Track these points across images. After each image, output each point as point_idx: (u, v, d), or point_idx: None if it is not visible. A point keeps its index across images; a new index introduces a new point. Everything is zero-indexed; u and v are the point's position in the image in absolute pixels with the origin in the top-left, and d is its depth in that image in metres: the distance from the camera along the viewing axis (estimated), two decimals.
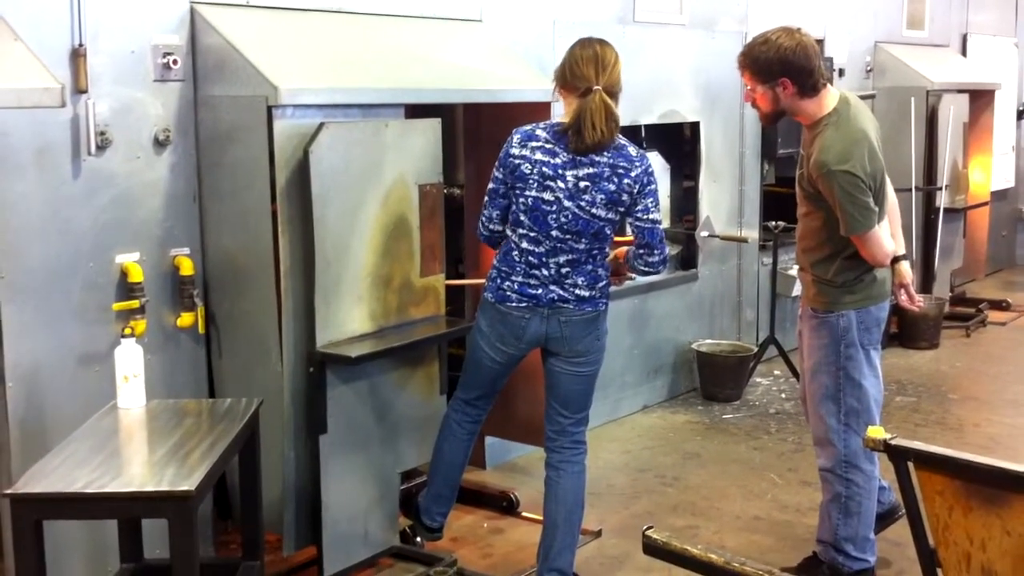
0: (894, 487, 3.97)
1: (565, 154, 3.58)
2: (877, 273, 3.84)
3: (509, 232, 3.70)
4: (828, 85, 3.77)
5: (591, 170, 3.58)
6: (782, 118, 3.86)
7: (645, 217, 3.65)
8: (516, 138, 3.64)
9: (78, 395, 3.60)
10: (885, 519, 4.13)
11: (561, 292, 3.66)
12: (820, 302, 3.87)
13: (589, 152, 3.57)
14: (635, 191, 3.61)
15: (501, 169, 3.67)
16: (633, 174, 3.60)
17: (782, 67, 3.67)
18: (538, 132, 3.63)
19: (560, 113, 3.77)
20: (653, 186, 3.66)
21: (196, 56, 3.87)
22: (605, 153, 3.59)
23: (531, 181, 3.60)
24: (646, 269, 3.75)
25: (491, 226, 3.76)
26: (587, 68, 3.57)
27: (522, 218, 3.64)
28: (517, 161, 3.61)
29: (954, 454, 2.35)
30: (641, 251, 3.70)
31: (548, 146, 3.60)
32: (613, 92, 3.59)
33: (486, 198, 3.74)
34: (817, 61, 3.71)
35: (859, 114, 3.77)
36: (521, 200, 3.63)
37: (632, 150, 3.64)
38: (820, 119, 3.74)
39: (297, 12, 4.15)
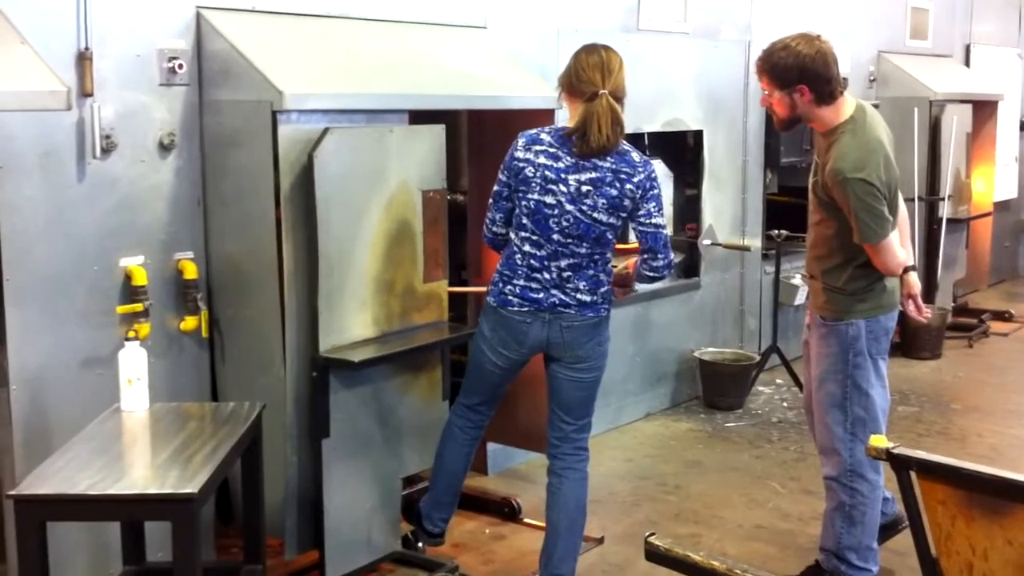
0: (897, 498, 3.98)
1: (568, 158, 3.60)
2: (887, 282, 3.84)
3: (512, 235, 3.71)
4: (844, 93, 3.77)
5: (594, 175, 3.59)
6: (798, 124, 3.85)
7: (648, 222, 3.65)
8: (521, 142, 3.66)
9: (82, 398, 3.60)
10: (888, 530, 4.13)
11: (563, 296, 3.67)
12: (829, 310, 3.87)
13: (593, 156, 3.58)
14: (637, 196, 3.62)
15: (505, 172, 3.69)
16: (636, 179, 3.61)
17: (800, 74, 3.67)
18: (542, 136, 3.65)
19: (564, 120, 3.79)
20: (656, 191, 3.67)
21: (202, 61, 3.88)
22: (608, 158, 3.60)
23: (534, 184, 3.61)
24: (651, 274, 3.75)
25: (495, 228, 3.77)
26: (593, 73, 3.59)
27: (524, 221, 3.65)
28: (521, 164, 3.63)
29: (956, 463, 2.34)
30: (645, 255, 3.71)
31: (552, 150, 3.61)
32: (618, 97, 3.61)
33: (490, 201, 3.75)
34: (835, 69, 3.72)
35: (875, 123, 3.78)
36: (524, 203, 3.64)
37: (635, 156, 3.65)
38: (836, 127, 3.74)
39: (302, 17, 4.16)
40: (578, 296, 3.68)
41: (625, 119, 3.63)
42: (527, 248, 3.67)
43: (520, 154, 3.65)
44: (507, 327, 3.72)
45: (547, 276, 3.66)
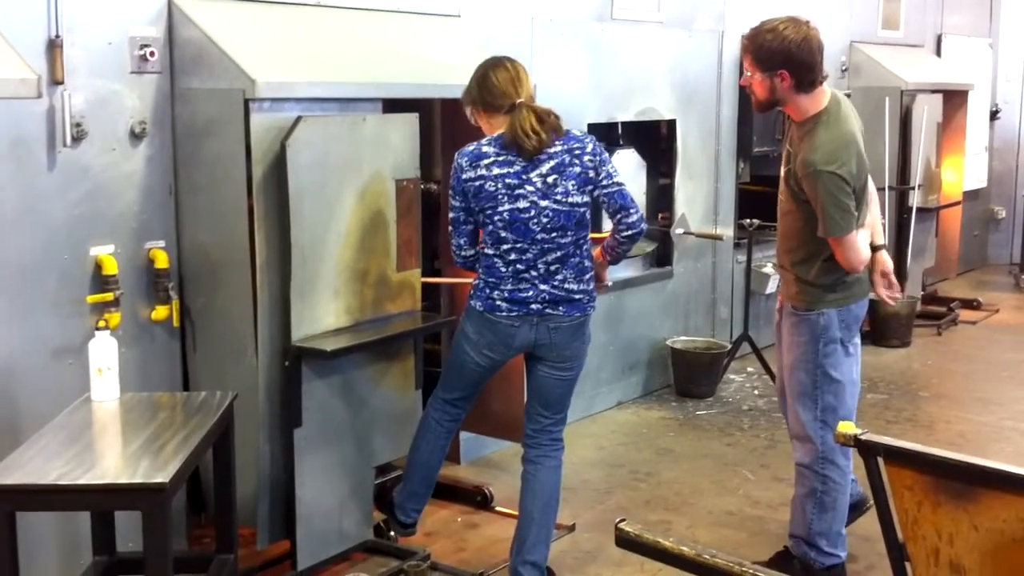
0: (862, 481, 4.02)
1: (521, 160, 3.61)
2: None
3: (489, 250, 3.68)
4: (823, 84, 3.78)
5: (552, 163, 3.62)
6: (776, 107, 3.84)
7: (611, 182, 3.68)
8: (464, 161, 3.65)
9: (52, 388, 3.58)
10: (853, 511, 4.16)
11: (551, 291, 3.67)
12: (801, 300, 3.88)
13: (538, 153, 3.60)
14: (597, 163, 3.66)
15: (458, 197, 3.68)
16: (588, 149, 3.66)
17: (783, 58, 3.67)
18: (485, 149, 3.65)
19: None
20: (606, 154, 3.73)
21: (173, 48, 3.86)
22: (557, 143, 3.63)
23: (500, 196, 3.61)
24: (629, 232, 3.71)
25: (463, 253, 3.76)
26: (506, 86, 3.67)
27: (503, 234, 3.64)
28: (476, 183, 3.62)
29: (924, 449, 2.37)
30: (619, 215, 3.70)
31: (501, 157, 3.62)
32: (532, 101, 3.68)
33: (451, 227, 3.74)
34: (819, 57, 3.71)
35: (848, 115, 3.79)
36: (496, 217, 3.63)
37: (576, 131, 3.71)
38: (811, 117, 3.74)
39: (275, 5, 4.14)
40: (565, 286, 3.68)
41: (552, 109, 3.66)
42: (512, 257, 3.65)
43: (469, 174, 3.64)
44: (494, 331, 3.72)
45: (534, 273, 3.66)
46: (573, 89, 5.62)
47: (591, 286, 3.76)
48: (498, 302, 3.69)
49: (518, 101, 3.63)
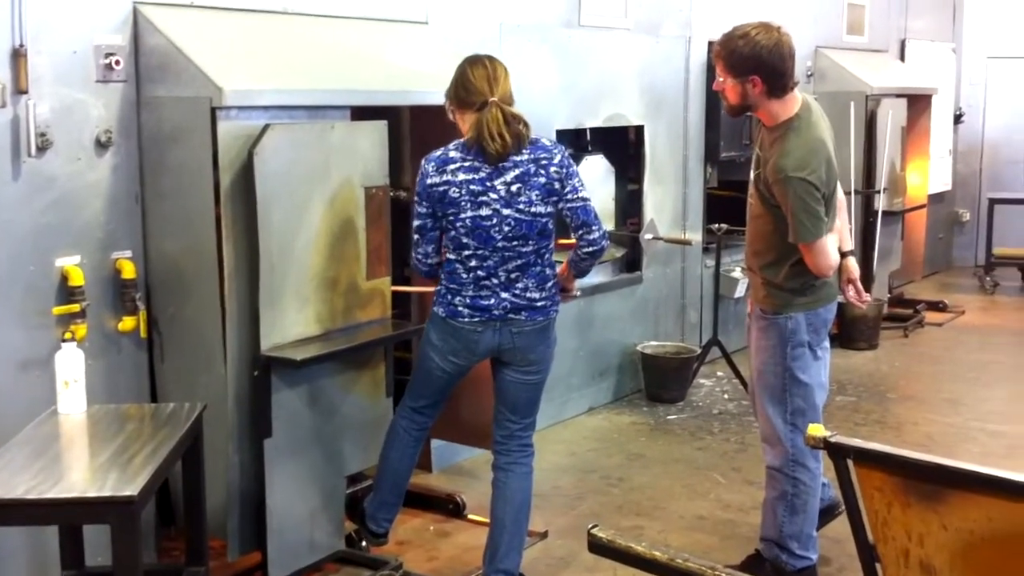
0: (834, 484, 4.04)
1: (486, 166, 3.60)
2: None
3: (451, 256, 3.68)
4: (795, 89, 3.79)
5: (517, 171, 3.61)
6: (748, 112, 3.85)
7: (575, 197, 3.67)
8: (431, 167, 3.63)
9: (17, 400, 3.54)
10: (826, 515, 4.19)
11: (512, 299, 3.67)
12: (769, 303, 3.90)
13: (502, 160, 3.59)
14: (563, 175, 3.65)
15: (425, 203, 3.65)
16: (556, 160, 3.65)
17: (755, 64, 3.67)
18: (451, 154, 3.64)
19: None
20: (574, 168, 3.72)
21: (139, 57, 3.83)
22: (524, 151, 3.62)
23: (463, 203, 3.60)
24: (590, 249, 3.73)
25: (429, 261, 3.73)
26: (482, 83, 3.63)
27: (465, 240, 3.63)
28: (442, 188, 3.61)
29: (893, 451, 2.38)
30: (580, 231, 3.70)
31: (467, 163, 3.61)
32: (507, 103, 3.64)
33: (416, 235, 3.70)
34: (791, 63, 3.72)
35: (819, 121, 3.81)
36: (459, 224, 3.62)
37: (545, 141, 3.70)
38: (782, 122, 3.76)
39: (242, 13, 4.12)
40: (527, 295, 3.68)
41: (523, 116, 3.64)
42: (472, 263, 3.65)
43: (435, 179, 3.62)
44: (458, 337, 3.71)
45: (495, 281, 3.66)
46: (542, 95, 5.63)
47: (553, 292, 3.76)
48: (460, 308, 3.68)
49: (490, 99, 3.61)
